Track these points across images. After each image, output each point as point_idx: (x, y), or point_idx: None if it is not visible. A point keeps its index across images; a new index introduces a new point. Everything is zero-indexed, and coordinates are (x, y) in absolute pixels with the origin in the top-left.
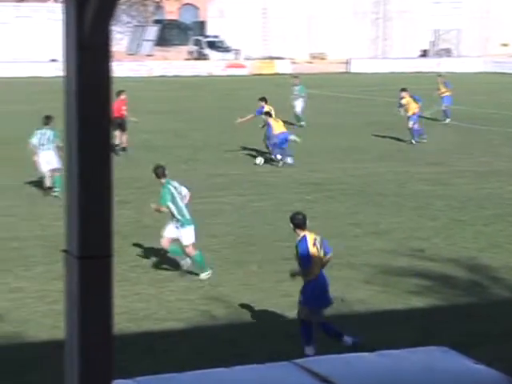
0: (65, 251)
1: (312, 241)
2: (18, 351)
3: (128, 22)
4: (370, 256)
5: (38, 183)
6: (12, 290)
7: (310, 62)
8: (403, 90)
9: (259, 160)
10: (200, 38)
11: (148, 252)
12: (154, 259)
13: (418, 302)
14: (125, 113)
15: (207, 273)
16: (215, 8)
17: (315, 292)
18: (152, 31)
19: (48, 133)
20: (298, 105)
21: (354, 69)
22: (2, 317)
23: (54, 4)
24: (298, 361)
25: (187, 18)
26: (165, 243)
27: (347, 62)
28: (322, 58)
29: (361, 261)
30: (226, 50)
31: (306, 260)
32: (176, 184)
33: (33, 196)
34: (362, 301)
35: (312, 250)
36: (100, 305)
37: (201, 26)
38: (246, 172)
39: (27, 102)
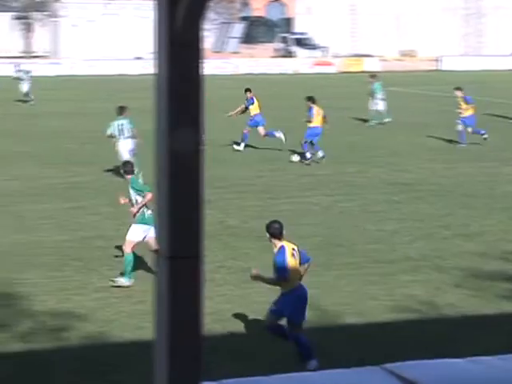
0: (155, 251)
1: (290, 251)
2: (103, 351)
3: (214, 19)
4: (459, 259)
5: (123, 182)
6: (97, 290)
7: (400, 60)
8: (457, 89)
9: (295, 157)
10: (287, 35)
11: (232, 252)
12: (238, 260)
13: (510, 307)
14: None
15: (125, 281)
16: (303, 5)
17: (297, 305)
18: (238, 28)
19: (124, 122)
20: (376, 103)
21: (444, 66)
22: (87, 316)
23: (141, 1)
24: (387, 365)
25: (274, 15)
26: (127, 247)
27: (438, 60)
28: (412, 56)
29: (450, 264)
30: (314, 47)
31: (283, 270)
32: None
33: (114, 195)
34: (451, 305)
35: (290, 260)
36: (189, 305)
37: (287, 22)
38: (332, 172)
39: (112, 99)
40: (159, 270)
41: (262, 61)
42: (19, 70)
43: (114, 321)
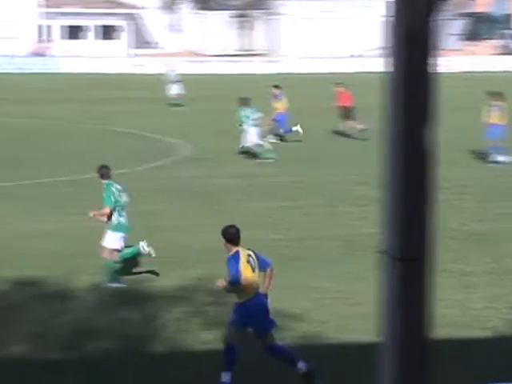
0: (382, 252)
1: (245, 257)
2: (318, 351)
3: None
4: None
5: (339, 183)
6: (311, 290)
7: None
8: None
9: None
10: (508, 31)
11: (452, 255)
12: (458, 263)
13: None
14: (349, 104)
15: (115, 284)
16: None
17: (257, 314)
18: (459, 25)
19: (251, 111)
20: None
21: None
22: (302, 316)
23: None
24: None
25: (498, 11)
26: (105, 254)
27: None
28: None
29: None
30: None
31: (235, 278)
32: (119, 187)
33: (331, 195)
34: None
35: (244, 267)
36: (420, 309)
37: (510, 18)
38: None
39: (328, 98)
40: (387, 271)
41: (482, 58)
42: (171, 71)
43: (329, 322)
